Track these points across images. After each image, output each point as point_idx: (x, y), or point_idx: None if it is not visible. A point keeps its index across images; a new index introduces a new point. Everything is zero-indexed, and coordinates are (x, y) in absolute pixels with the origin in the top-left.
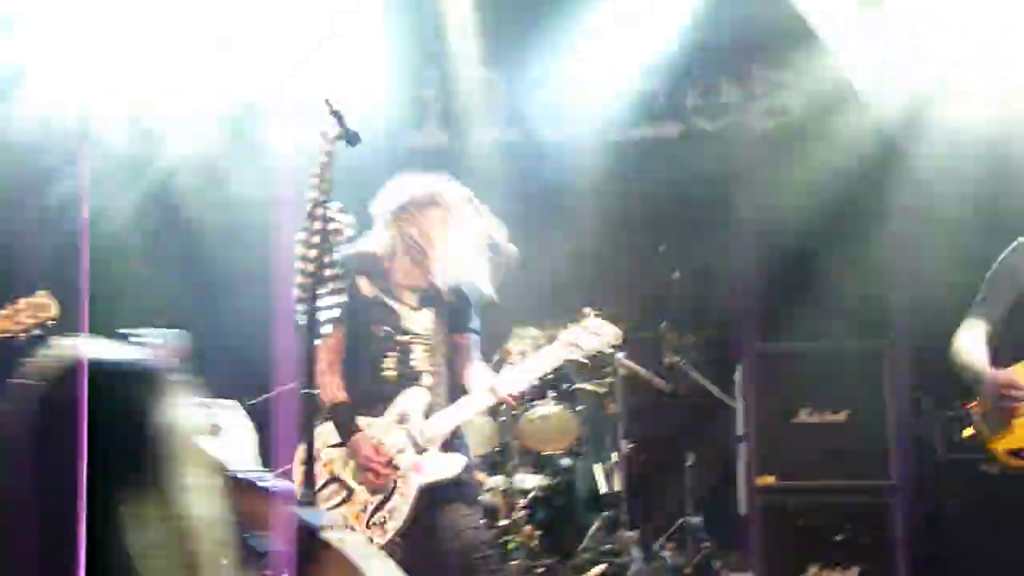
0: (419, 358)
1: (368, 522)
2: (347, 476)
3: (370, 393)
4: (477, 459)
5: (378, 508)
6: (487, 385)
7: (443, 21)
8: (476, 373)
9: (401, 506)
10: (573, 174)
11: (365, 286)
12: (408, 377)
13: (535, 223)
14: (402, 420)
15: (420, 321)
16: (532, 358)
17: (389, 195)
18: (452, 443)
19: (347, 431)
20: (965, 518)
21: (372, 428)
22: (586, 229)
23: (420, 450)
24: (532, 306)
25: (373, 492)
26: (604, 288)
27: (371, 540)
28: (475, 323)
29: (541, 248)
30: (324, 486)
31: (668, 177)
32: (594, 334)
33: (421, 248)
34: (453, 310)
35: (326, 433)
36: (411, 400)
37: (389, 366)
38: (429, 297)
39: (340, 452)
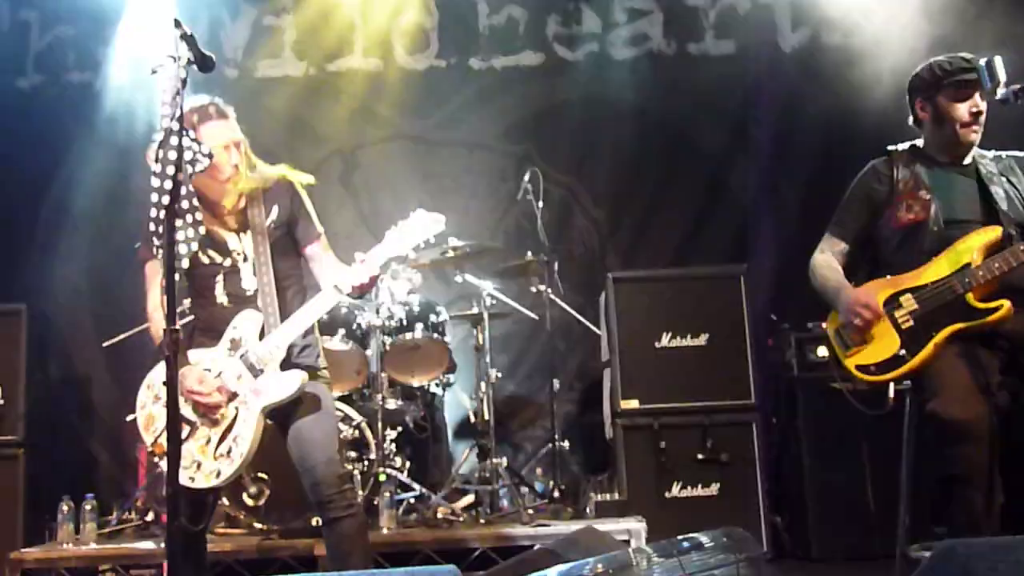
0: (248, 279)
1: (215, 454)
2: (187, 411)
3: (211, 322)
4: (345, 391)
5: (222, 438)
6: (330, 284)
7: None
8: (330, 273)
9: (245, 432)
10: (434, 101)
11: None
12: (240, 300)
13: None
14: (235, 347)
15: (245, 241)
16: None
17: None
18: (293, 360)
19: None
20: (815, 432)
21: (203, 360)
22: (452, 159)
23: (257, 372)
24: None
25: (213, 424)
26: (470, 219)
27: (219, 472)
28: (315, 226)
29: (407, 182)
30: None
31: (531, 106)
32: (417, 225)
33: (217, 164)
34: (287, 225)
35: (161, 370)
36: (243, 324)
37: (219, 292)
38: (245, 218)
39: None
